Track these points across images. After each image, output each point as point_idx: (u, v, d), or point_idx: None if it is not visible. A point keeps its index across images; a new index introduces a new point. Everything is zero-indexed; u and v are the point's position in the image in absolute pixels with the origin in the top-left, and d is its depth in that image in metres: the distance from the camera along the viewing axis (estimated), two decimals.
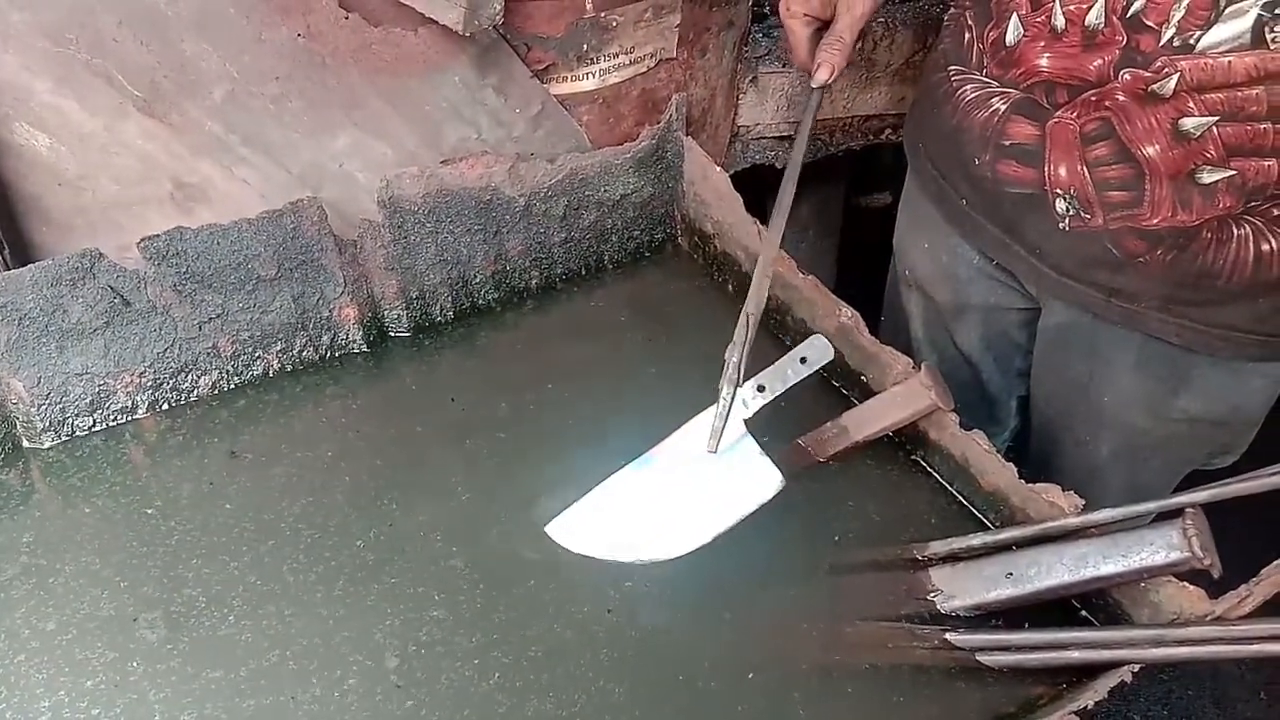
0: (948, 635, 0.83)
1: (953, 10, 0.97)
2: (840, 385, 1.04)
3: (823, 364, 0.89)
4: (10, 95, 0.94)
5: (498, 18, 0.91)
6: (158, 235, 0.91)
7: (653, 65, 1.10)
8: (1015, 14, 0.85)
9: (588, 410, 1.02)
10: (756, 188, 1.32)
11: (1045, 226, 0.90)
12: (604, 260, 1.19)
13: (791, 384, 0.88)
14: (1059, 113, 0.83)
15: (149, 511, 0.89)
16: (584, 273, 1.18)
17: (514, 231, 1.09)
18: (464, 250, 1.07)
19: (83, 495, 0.90)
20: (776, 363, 0.88)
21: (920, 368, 0.92)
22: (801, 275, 1.04)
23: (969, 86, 0.92)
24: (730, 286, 1.16)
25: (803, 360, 0.88)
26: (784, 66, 1.25)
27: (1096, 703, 0.72)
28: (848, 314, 0.99)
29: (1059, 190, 0.87)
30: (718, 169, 1.13)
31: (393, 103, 1.02)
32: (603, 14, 1.01)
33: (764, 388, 0.87)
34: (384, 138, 1.04)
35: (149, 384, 0.96)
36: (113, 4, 0.91)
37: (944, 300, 1.11)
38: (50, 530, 0.87)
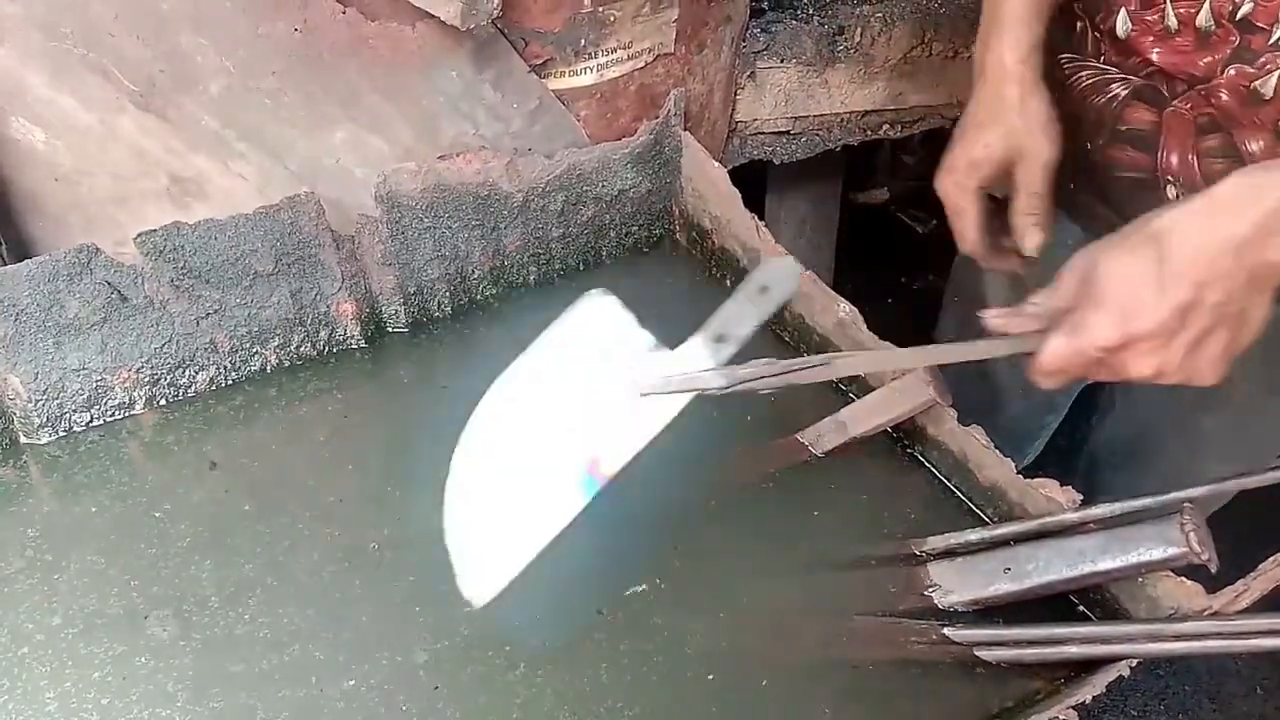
0: (946, 630, 0.83)
1: (1063, 2, 0.95)
2: (838, 380, 1.04)
3: (789, 293, 0.70)
4: (5, 90, 0.94)
5: (495, 12, 0.91)
6: (154, 230, 0.91)
7: (650, 60, 1.10)
8: (1123, 9, 0.85)
9: None
10: (755, 183, 1.32)
11: (1156, 209, 0.90)
12: (602, 256, 1.19)
13: (757, 324, 0.69)
14: (1176, 102, 0.84)
15: (157, 515, 0.88)
16: (582, 268, 1.18)
17: (512, 227, 1.09)
18: (462, 246, 1.07)
19: (87, 493, 0.90)
20: (728, 303, 0.70)
21: None
22: (800, 270, 1.03)
23: (1085, 73, 0.91)
24: (728, 281, 1.16)
25: (763, 290, 0.69)
26: (782, 62, 1.25)
27: (1094, 698, 0.72)
28: (845, 309, 0.99)
29: (1170, 177, 0.87)
30: (716, 164, 1.13)
31: (390, 98, 1.02)
32: (600, 8, 1.01)
33: (724, 337, 0.69)
34: (381, 133, 1.04)
35: (146, 380, 0.96)
36: None
37: (1032, 274, 1.11)
38: (54, 527, 0.87)
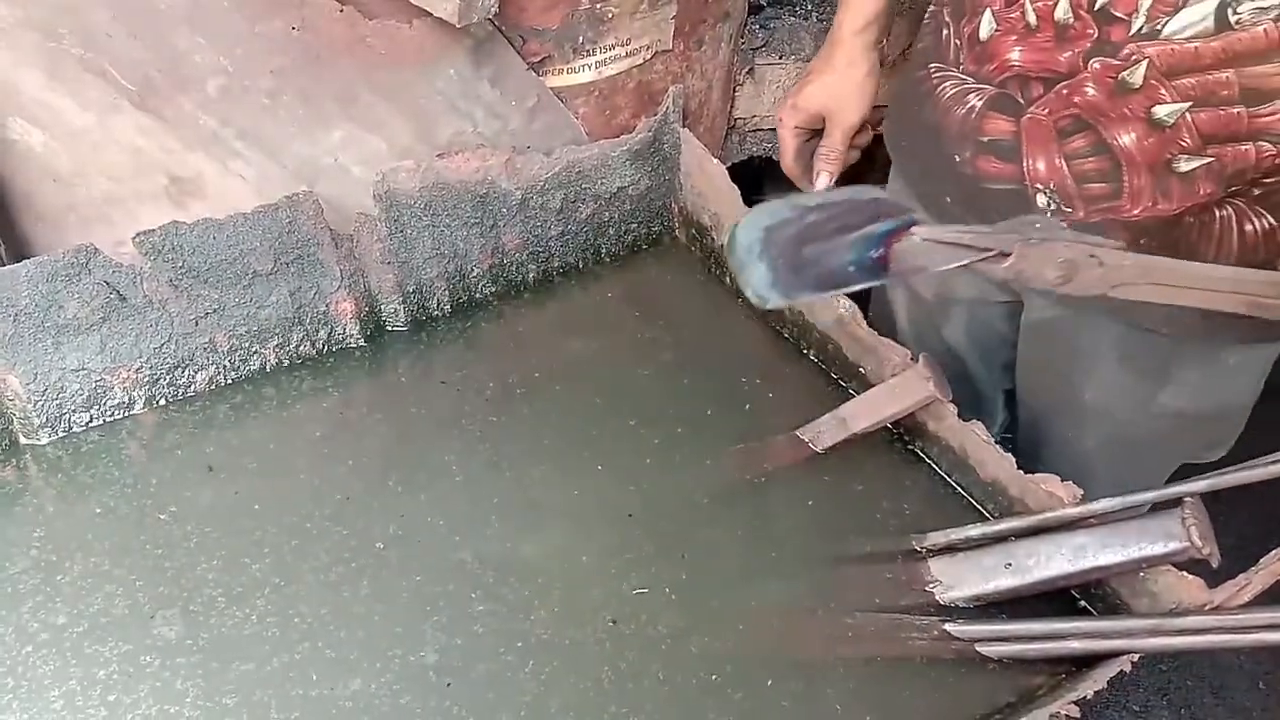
0: (947, 626, 0.83)
1: (932, 8, 0.97)
2: (839, 377, 1.04)
3: None
4: (3, 91, 0.93)
5: (493, 9, 0.91)
6: (153, 230, 0.91)
7: (649, 57, 1.10)
8: (989, 9, 0.85)
9: (583, 403, 1.01)
10: (754, 179, 1.32)
11: (1028, 222, 0.90)
12: (601, 253, 1.19)
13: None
14: (1032, 108, 0.83)
15: (162, 517, 0.88)
16: (581, 266, 1.18)
17: (511, 225, 1.09)
18: (460, 244, 1.07)
19: (92, 494, 0.90)
20: None
21: (919, 359, 0.92)
22: None
23: (948, 84, 0.91)
24: (728, 279, 1.16)
25: None
26: (780, 59, 1.25)
27: (1096, 692, 0.72)
28: (845, 305, 0.99)
29: (1039, 184, 0.86)
30: (715, 161, 1.12)
31: (387, 96, 1.02)
32: (598, 5, 1.01)
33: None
34: (379, 131, 1.04)
35: (146, 379, 0.96)
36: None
37: (928, 295, 1.11)
38: (57, 527, 0.87)
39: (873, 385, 0.97)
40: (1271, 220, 0.80)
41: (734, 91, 1.27)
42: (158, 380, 0.97)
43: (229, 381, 1.01)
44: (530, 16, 0.99)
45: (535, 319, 1.13)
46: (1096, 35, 0.77)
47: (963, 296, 1.07)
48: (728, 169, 1.14)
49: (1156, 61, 0.74)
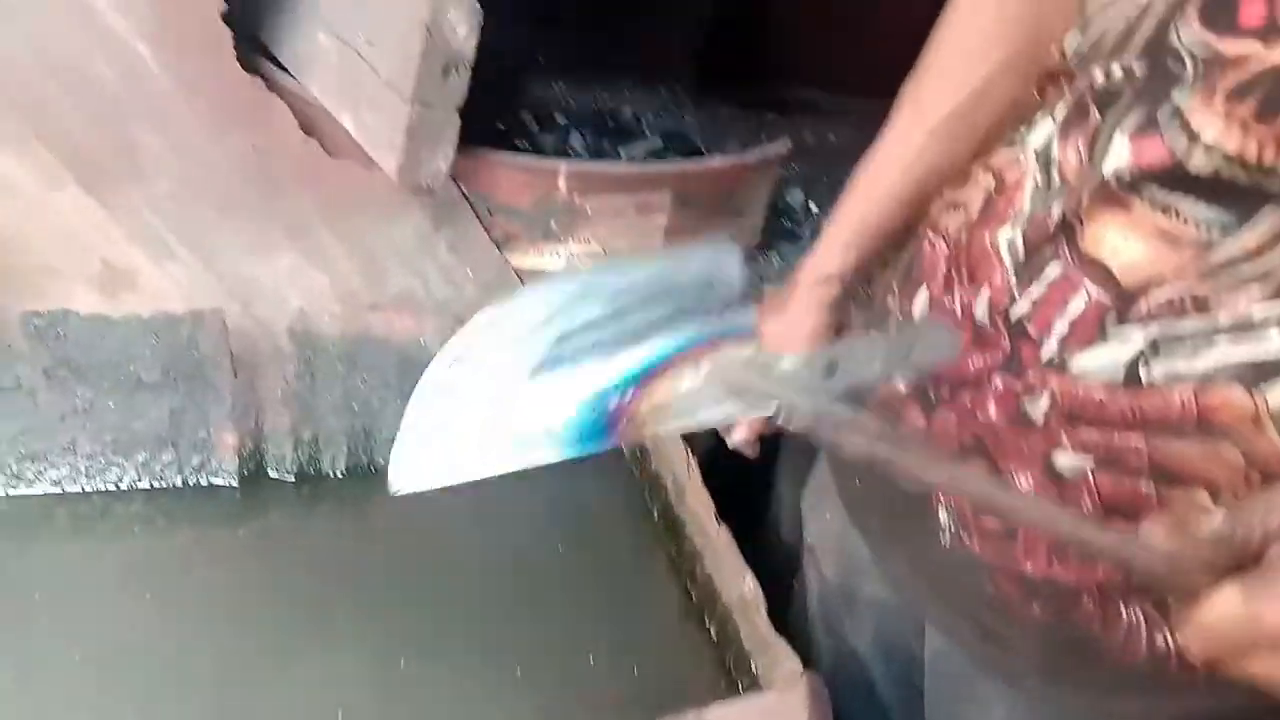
0: None
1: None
2: (730, 665, 0.89)
3: (936, 364, 0.62)
4: None
5: (440, 178, 0.85)
6: (40, 313, 0.86)
7: None
8: (925, 284, 0.74)
9: (461, 606, 0.89)
10: None
11: (927, 534, 0.75)
12: None
13: (882, 378, 0.61)
14: (942, 409, 0.70)
15: None
16: None
17: None
18: (375, 403, 0.98)
19: None
20: (864, 339, 0.61)
21: (805, 677, 0.77)
22: (717, 525, 0.90)
23: None
24: (655, 514, 1.04)
25: (909, 351, 0.60)
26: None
27: None
28: (750, 585, 0.85)
29: (940, 497, 0.73)
30: None
31: (341, 236, 0.97)
32: (575, 196, 0.95)
33: (834, 368, 0.61)
34: (326, 269, 0.98)
35: None
36: (60, 74, 0.89)
37: (835, 582, 0.95)
38: None
39: (760, 688, 0.82)
40: None
41: None
42: (3, 468, 0.89)
43: (80, 489, 0.92)
44: (501, 193, 0.94)
45: (439, 507, 1.02)
46: (1009, 349, 0.65)
47: (869, 598, 0.90)
48: None
49: (1059, 399, 0.61)
